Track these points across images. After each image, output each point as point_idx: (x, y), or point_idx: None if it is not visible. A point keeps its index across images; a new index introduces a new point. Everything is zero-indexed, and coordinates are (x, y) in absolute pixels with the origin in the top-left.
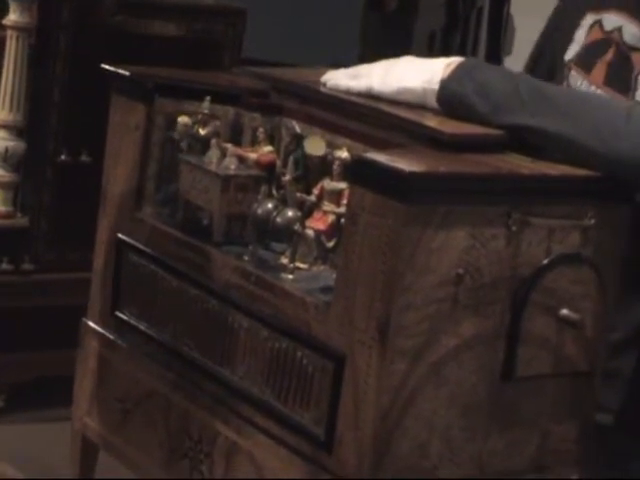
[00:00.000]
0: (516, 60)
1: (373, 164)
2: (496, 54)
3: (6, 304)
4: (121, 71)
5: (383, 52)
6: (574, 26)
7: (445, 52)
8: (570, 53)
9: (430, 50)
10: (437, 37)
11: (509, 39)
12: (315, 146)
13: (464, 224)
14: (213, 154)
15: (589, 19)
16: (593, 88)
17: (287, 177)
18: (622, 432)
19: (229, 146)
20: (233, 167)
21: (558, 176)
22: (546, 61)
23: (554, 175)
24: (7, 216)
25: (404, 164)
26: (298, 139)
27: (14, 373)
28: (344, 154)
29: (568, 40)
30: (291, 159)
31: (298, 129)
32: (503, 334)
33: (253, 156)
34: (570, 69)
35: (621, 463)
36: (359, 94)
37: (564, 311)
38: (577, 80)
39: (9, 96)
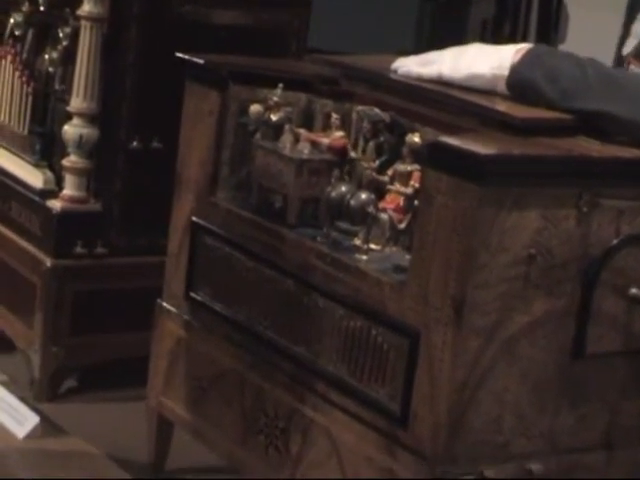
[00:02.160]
0: (570, 48)
1: (448, 148)
2: (546, 42)
3: (80, 287)
4: (196, 59)
5: (438, 40)
6: (631, 20)
7: (496, 40)
8: (628, 47)
9: (482, 39)
10: (489, 25)
11: (563, 27)
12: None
13: (536, 205)
14: (286, 139)
15: None
16: None
17: (373, 163)
18: None
19: (302, 131)
20: (306, 152)
21: (627, 159)
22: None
23: (623, 158)
24: (81, 201)
25: (479, 147)
26: (378, 125)
27: (87, 355)
28: (416, 138)
29: (625, 34)
30: (371, 145)
31: (384, 116)
32: (573, 312)
33: (325, 141)
34: (629, 63)
35: None
36: (430, 80)
37: (633, 290)
38: None
39: (83, 85)
